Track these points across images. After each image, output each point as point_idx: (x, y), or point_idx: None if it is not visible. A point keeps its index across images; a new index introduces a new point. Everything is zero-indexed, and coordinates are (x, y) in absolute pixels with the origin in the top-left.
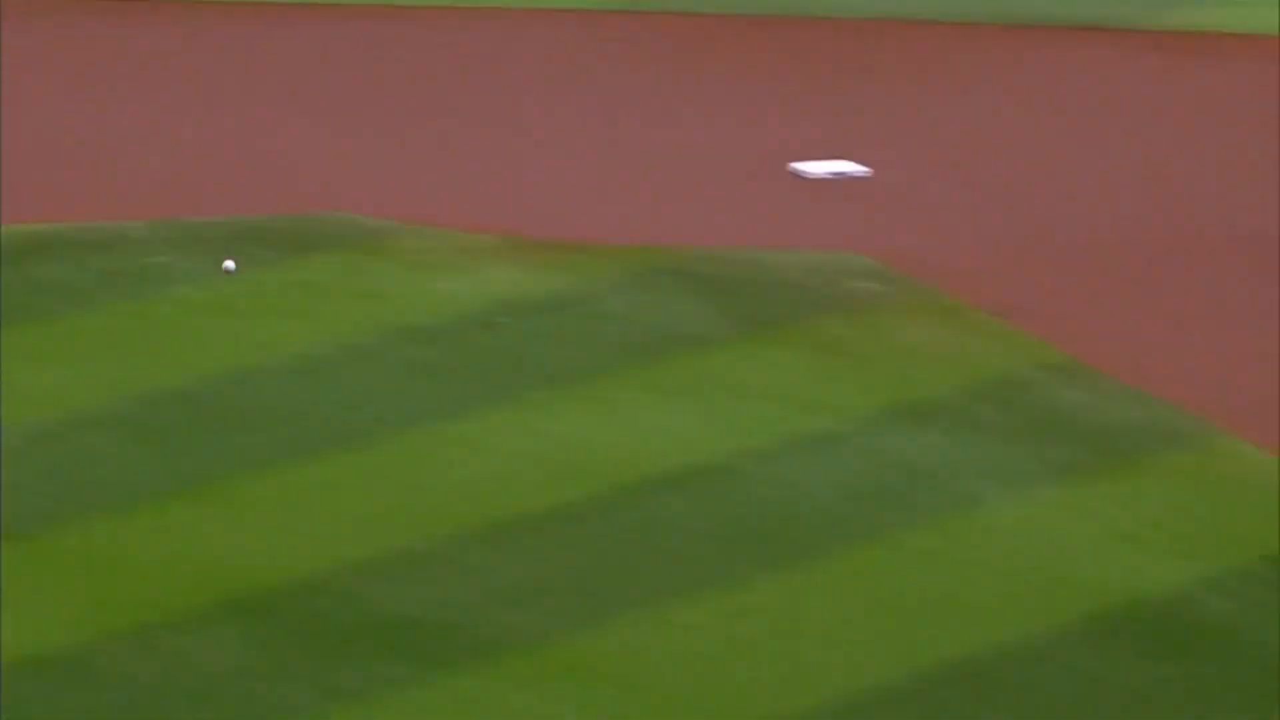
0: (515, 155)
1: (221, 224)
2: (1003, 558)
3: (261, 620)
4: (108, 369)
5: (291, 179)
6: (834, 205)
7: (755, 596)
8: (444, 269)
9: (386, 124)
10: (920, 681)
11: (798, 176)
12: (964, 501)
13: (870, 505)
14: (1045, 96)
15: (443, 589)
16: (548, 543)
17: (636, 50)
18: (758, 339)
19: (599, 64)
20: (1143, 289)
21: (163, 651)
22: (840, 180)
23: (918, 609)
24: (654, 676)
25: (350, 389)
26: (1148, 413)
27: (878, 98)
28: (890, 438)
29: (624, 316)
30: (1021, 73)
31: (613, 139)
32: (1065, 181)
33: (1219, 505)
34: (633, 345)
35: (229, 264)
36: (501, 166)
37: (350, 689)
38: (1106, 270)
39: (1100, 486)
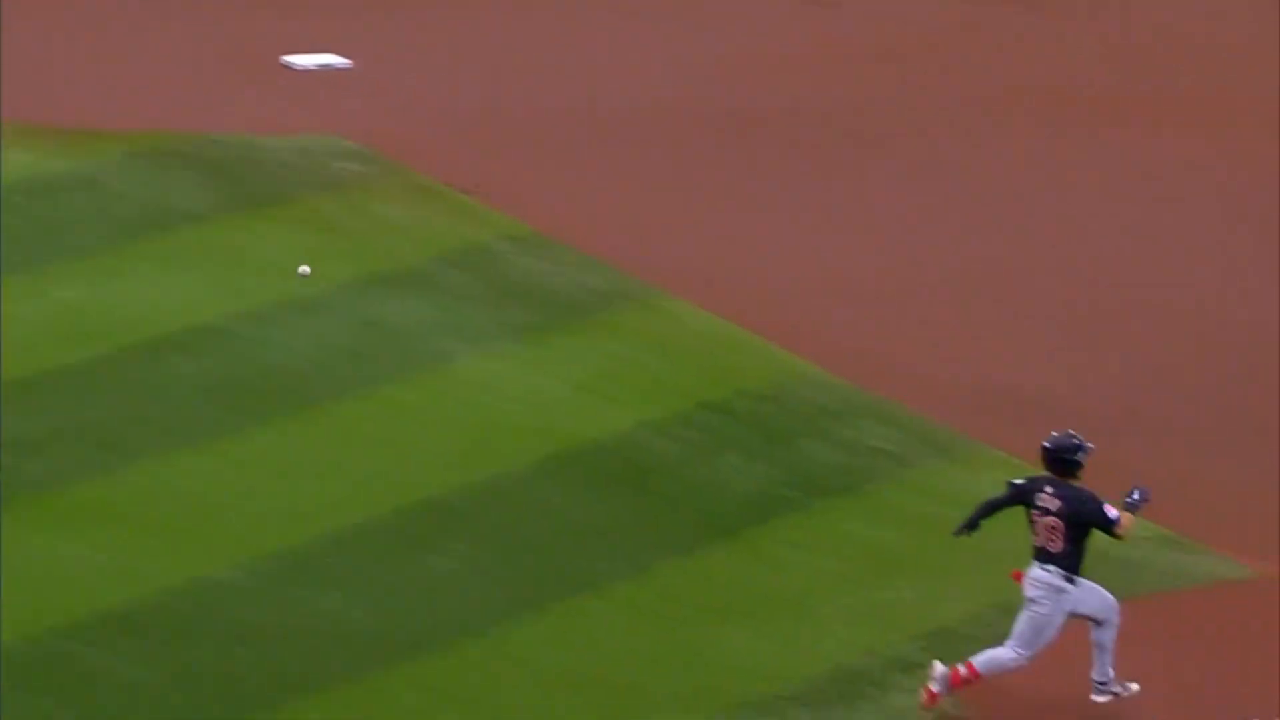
0: (24, 47)
1: None
2: (470, 408)
3: None
4: None
5: None
6: (321, 93)
7: (253, 444)
8: None
9: None
10: (399, 517)
11: (287, 68)
12: (436, 358)
13: (354, 362)
14: None
15: None
16: (63, 399)
17: None
18: (252, 214)
19: None
20: (595, 166)
21: None
22: (326, 71)
23: (396, 454)
24: (163, 517)
25: None
26: (600, 277)
27: None
28: (370, 303)
29: (130, 195)
30: None
31: (116, 32)
32: (528, 71)
33: (663, 358)
34: (138, 220)
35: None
36: (12, 57)
37: None
38: (564, 149)
39: (557, 343)
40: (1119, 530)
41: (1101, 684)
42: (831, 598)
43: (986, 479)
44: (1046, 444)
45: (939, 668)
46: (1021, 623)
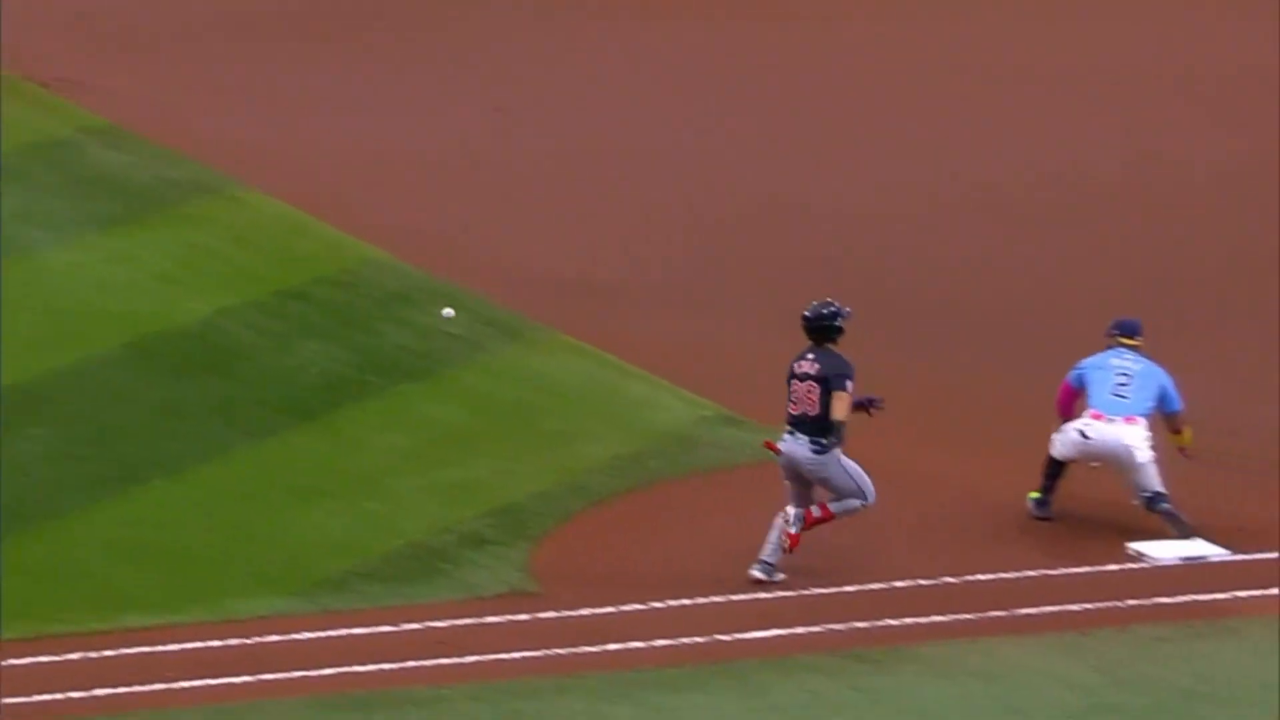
0: None
1: None
2: (54, 296)
3: None
4: None
5: None
6: None
7: None
8: None
9: None
10: None
11: None
12: (19, 249)
13: None
14: None
15: None
16: None
17: None
18: None
19: None
20: (170, 61)
21: None
22: None
23: None
24: None
25: None
26: (178, 169)
27: None
28: None
29: None
30: None
31: None
32: None
33: (241, 247)
34: None
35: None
36: None
37: None
38: (139, 44)
39: (137, 234)
40: (844, 404)
41: (769, 564)
42: (407, 477)
43: (553, 361)
44: (806, 314)
45: (792, 511)
46: (837, 495)
